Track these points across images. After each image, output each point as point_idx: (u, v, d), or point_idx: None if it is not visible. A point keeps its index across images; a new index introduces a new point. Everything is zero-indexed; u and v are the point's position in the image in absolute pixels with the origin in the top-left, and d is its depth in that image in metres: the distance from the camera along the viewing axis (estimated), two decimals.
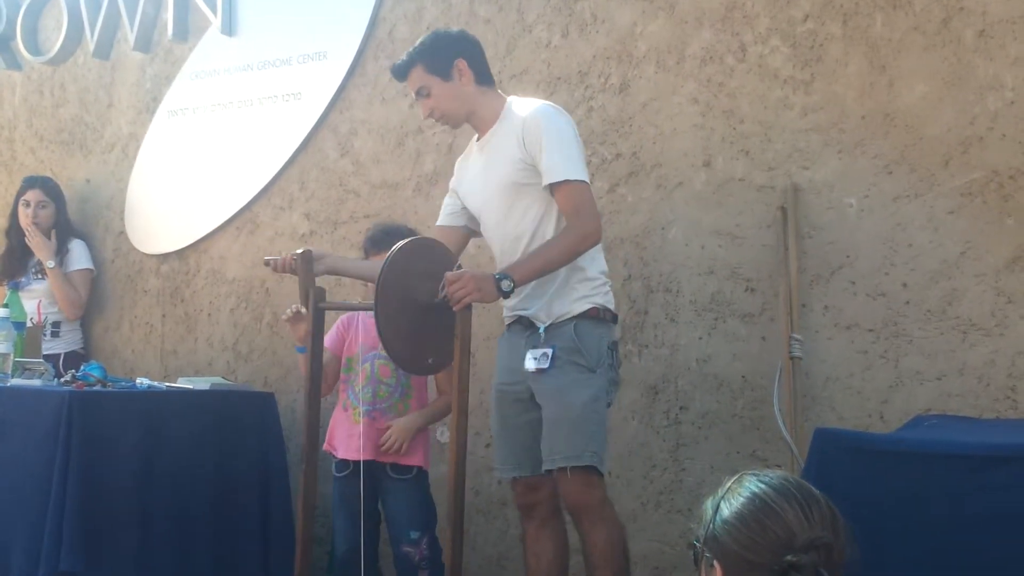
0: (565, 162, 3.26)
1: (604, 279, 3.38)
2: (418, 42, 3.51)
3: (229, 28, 5.37)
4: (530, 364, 3.28)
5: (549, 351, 3.25)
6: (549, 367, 3.24)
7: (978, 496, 2.40)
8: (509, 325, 3.48)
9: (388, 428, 3.81)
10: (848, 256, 3.69)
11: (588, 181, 3.31)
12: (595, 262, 3.37)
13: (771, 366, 3.74)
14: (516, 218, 3.38)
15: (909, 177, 3.61)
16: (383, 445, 3.79)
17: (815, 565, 1.65)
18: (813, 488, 1.78)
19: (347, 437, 3.87)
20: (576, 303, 3.29)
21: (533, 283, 3.31)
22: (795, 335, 3.66)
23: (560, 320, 3.29)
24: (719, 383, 3.90)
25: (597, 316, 3.30)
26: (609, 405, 3.36)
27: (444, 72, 3.43)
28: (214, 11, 5.37)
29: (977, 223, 3.49)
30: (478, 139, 3.54)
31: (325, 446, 3.93)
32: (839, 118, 3.74)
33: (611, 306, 3.37)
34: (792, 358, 3.65)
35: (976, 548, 2.38)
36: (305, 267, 3.52)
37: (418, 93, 3.48)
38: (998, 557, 2.35)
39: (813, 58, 3.80)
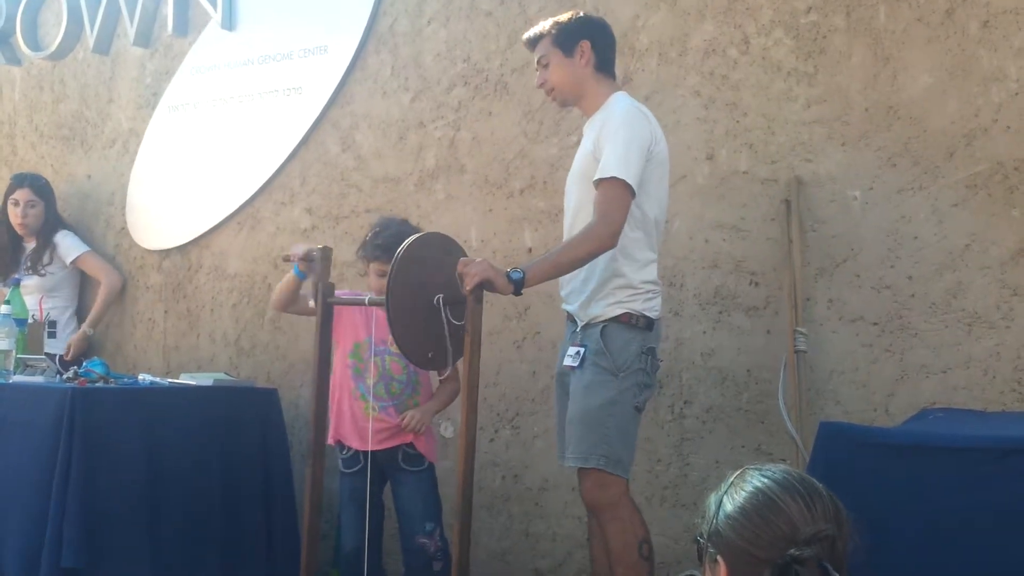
0: (614, 160, 3.23)
1: (647, 287, 3.32)
2: (555, 17, 3.53)
3: (229, 23, 5.36)
4: (566, 360, 3.34)
5: (582, 350, 3.29)
6: (579, 366, 3.28)
7: (984, 489, 2.39)
8: (567, 318, 3.51)
9: (403, 419, 3.79)
10: (852, 249, 3.68)
11: (629, 183, 3.20)
12: (642, 271, 3.32)
13: (776, 360, 3.73)
14: (576, 208, 3.40)
15: (913, 169, 3.59)
16: (405, 425, 3.77)
17: (818, 558, 1.64)
18: (816, 481, 1.76)
19: (359, 430, 3.85)
20: (610, 307, 3.29)
21: (580, 280, 3.35)
22: (800, 328, 3.64)
23: (593, 322, 3.31)
24: (723, 377, 3.89)
25: (628, 322, 3.27)
26: (639, 409, 3.32)
27: (567, 48, 3.44)
28: (214, 6, 5.36)
29: (982, 215, 3.48)
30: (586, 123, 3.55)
31: (332, 437, 3.90)
32: (842, 110, 3.73)
33: (650, 313, 3.31)
34: (797, 352, 3.63)
35: (982, 541, 2.37)
36: (324, 262, 3.59)
37: (538, 62, 3.50)
38: (1004, 550, 2.34)
39: (816, 50, 3.79)
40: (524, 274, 3.17)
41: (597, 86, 3.45)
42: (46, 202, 5.47)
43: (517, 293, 3.21)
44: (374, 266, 3.87)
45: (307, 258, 3.67)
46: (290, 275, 3.85)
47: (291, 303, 3.91)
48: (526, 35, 3.58)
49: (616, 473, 3.23)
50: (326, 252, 3.62)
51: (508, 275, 3.15)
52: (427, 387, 3.94)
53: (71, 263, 5.44)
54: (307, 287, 3.85)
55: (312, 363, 3.60)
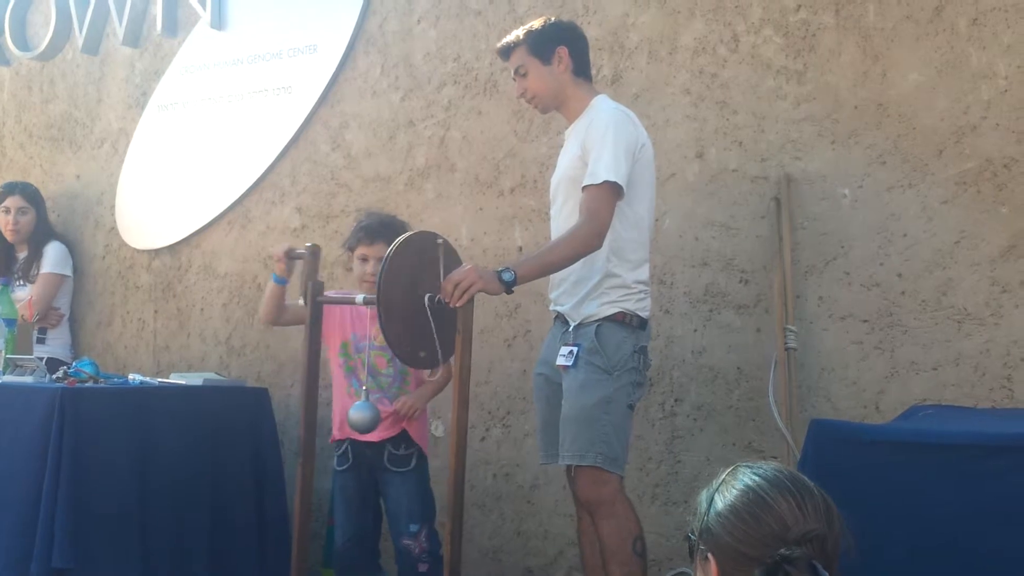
0: (603, 164, 3.25)
1: (641, 287, 3.37)
2: (527, 25, 3.54)
3: (218, 22, 5.35)
4: (559, 360, 3.35)
5: (575, 349, 3.31)
6: (572, 365, 3.30)
7: (974, 485, 2.40)
8: (554, 319, 3.54)
9: (397, 405, 3.78)
10: (842, 247, 3.68)
11: (619, 183, 3.25)
12: (635, 271, 3.36)
13: (766, 357, 3.73)
14: (567, 213, 3.41)
15: (903, 167, 3.60)
16: (398, 410, 3.77)
17: (808, 558, 1.63)
18: (807, 480, 1.76)
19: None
20: (604, 307, 3.32)
21: (571, 281, 3.37)
22: (790, 326, 3.65)
23: (587, 321, 3.33)
24: (714, 375, 3.89)
25: (623, 320, 3.31)
26: (632, 407, 3.35)
27: (544, 56, 3.46)
28: (203, 5, 5.35)
29: (971, 212, 3.48)
30: (567, 128, 3.58)
31: (334, 436, 3.89)
32: (832, 108, 3.73)
33: (642, 313, 3.36)
34: (787, 349, 3.64)
35: (972, 537, 2.37)
36: (312, 261, 3.59)
37: (516, 72, 3.52)
38: (994, 546, 2.34)
39: (806, 48, 3.79)
40: (515, 274, 3.19)
41: (577, 90, 3.49)
42: (37, 209, 5.45)
43: (508, 292, 3.24)
44: (358, 251, 3.86)
45: (289, 256, 3.69)
46: (270, 284, 3.87)
47: (278, 313, 3.92)
48: (498, 45, 3.59)
49: (612, 470, 3.26)
50: (314, 250, 3.62)
51: (499, 276, 3.17)
52: (416, 376, 3.92)
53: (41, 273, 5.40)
54: (291, 295, 3.86)
55: (302, 362, 3.60)
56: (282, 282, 3.82)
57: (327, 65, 4.94)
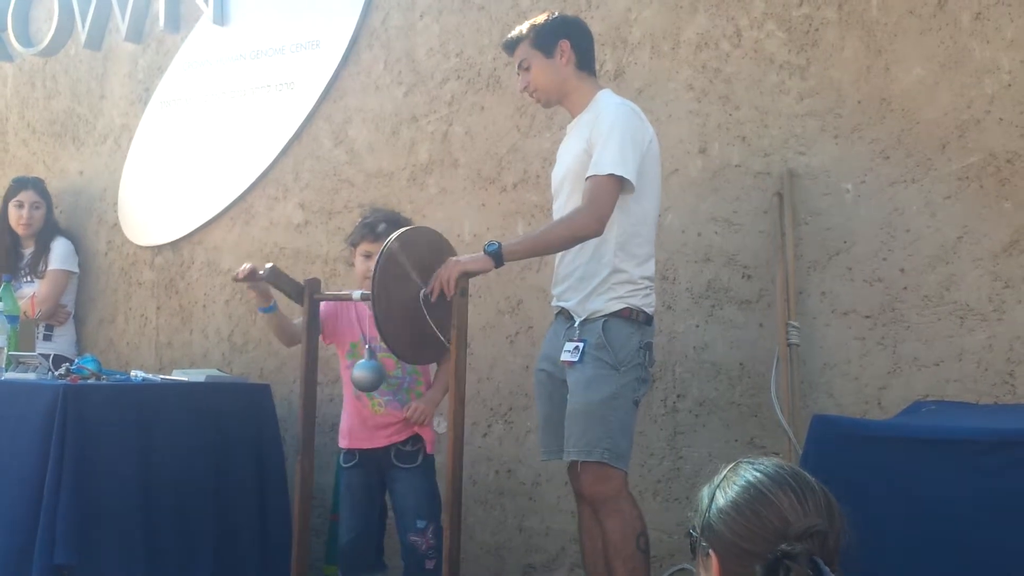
0: (608, 157, 3.25)
1: (646, 283, 3.37)
2: (531, 19, 3.56)
3: (221, 18, 5.34)
4: (564, 355, 3.34)
5: (581, 345, 3.31)
6: (578, 361, 3.29)
7: (976, 481, 2.40)
8: (556, 315, 3.53)
9: (407, 411, 3.77)
10: (845, 242, 3.68)
11: (627, 177, 3.24)
12: (642, 267, 3.36)
13: (768, 353, 3.72)
14: (571, 208, 3.40)
15: (906, 162, 3.59)
16: (408, 418, 3.76)
17: (809, 553, 1.63)
18: (808, 475, 1.76)
19: (365, 428, 3.83)
20: (610, 302, 3.31)
21: (576, 276, 3.37)
22: (792, 322, 3.64)
23: (593, 317, 3.33)
24: (716, 370, 3.89)
25: (629, 316, 3.31)
26: (637, 403, 3.36)
27: (547, 49, 3.47)
28: (206, 1, 5.34)
29: (974, 207, 3.47)
30: (570, 122, 3.59)
31: (341, 440, 3.89)
32: (835, 103, 3.72)
33: (648, 309, 3.36)
34: (789, 345, 3.63)
35: (974, 533, 2.38)
36: (275, 276, 3.65)
37: (519, 66, 3.53)
38: (996, 541, 2.34)
39: (809, 43, 3.78)
40: (499, 245, 3.22)
41: (580, 84, 3.49)
42: (48, 204, 5.47)
43: (499, 264, 3.25)
44: (361, 248, 3.85)
45: (252, 277, 3.69)
46: (260, 317, 3.88)
47: (291, 335, 3.92)
48: (503, 41, 3.61)
49: (618, 466, 3.26)
50: (273, 269, 3.65)
51: (484, 249, 3.21)
52: (428, 376, 3.91)
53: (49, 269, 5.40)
54: (298, 317, 3.84)
55: (301, 359, 3.60)
56: (270, 310, 3.82)
57: (330, 60, 4.93)
